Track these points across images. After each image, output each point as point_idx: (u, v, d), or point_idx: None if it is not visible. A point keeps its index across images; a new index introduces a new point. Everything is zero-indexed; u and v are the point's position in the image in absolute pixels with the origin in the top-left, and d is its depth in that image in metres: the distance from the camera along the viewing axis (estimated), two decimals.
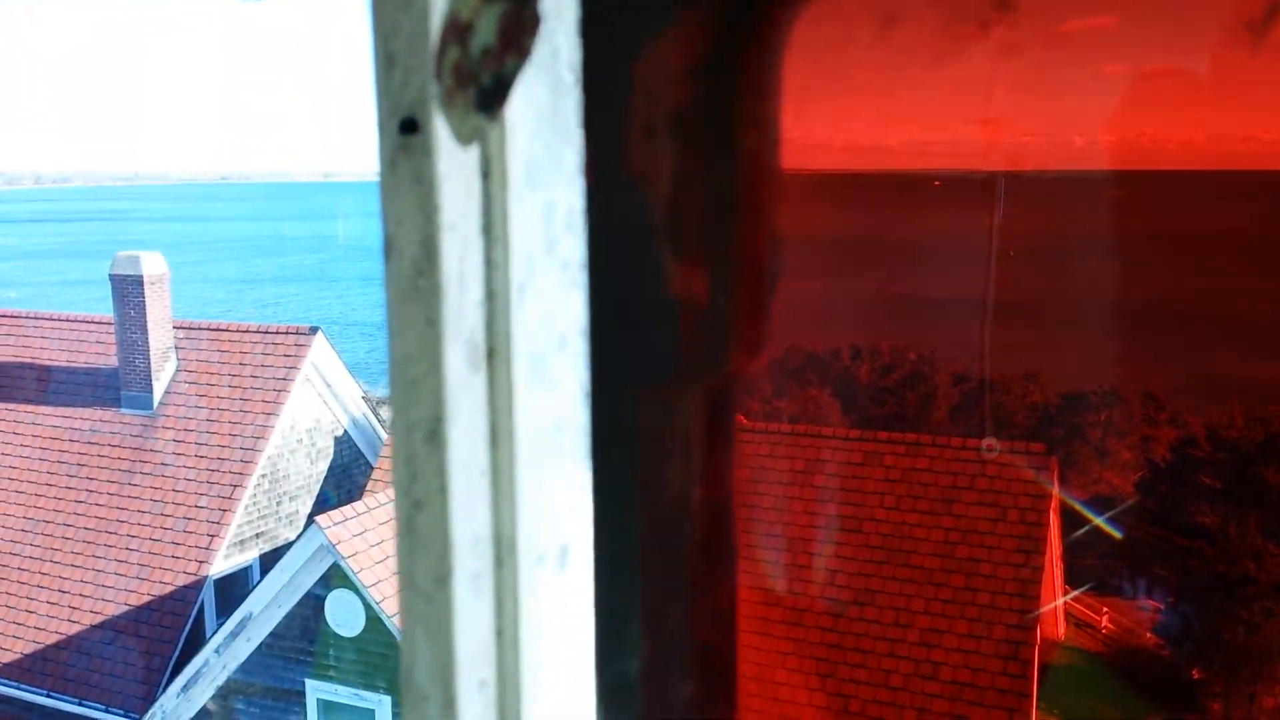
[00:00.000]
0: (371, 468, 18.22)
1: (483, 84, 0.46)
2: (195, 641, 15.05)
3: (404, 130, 0.47)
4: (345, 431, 18.69)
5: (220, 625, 14.35)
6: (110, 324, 17.80)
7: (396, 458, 0.49)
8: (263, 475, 16.69)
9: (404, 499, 0.49)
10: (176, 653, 15.07)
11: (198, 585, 15.53)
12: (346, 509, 13.14)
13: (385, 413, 21.17)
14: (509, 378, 0.49)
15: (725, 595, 0.50)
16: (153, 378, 17.17)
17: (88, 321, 19.09)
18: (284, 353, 17.25)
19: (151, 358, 17.13)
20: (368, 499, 14.00)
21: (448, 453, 0.48)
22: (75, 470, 17.13)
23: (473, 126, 0.46)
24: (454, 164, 0.47)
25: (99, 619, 15.64)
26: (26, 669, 15.51)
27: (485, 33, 0.45)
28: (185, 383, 17.36)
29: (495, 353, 0.49)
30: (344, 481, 18.34)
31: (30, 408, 17.99)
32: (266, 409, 16.76)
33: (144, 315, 16.99)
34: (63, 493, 16.97)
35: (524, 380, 0.49)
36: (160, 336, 17.24)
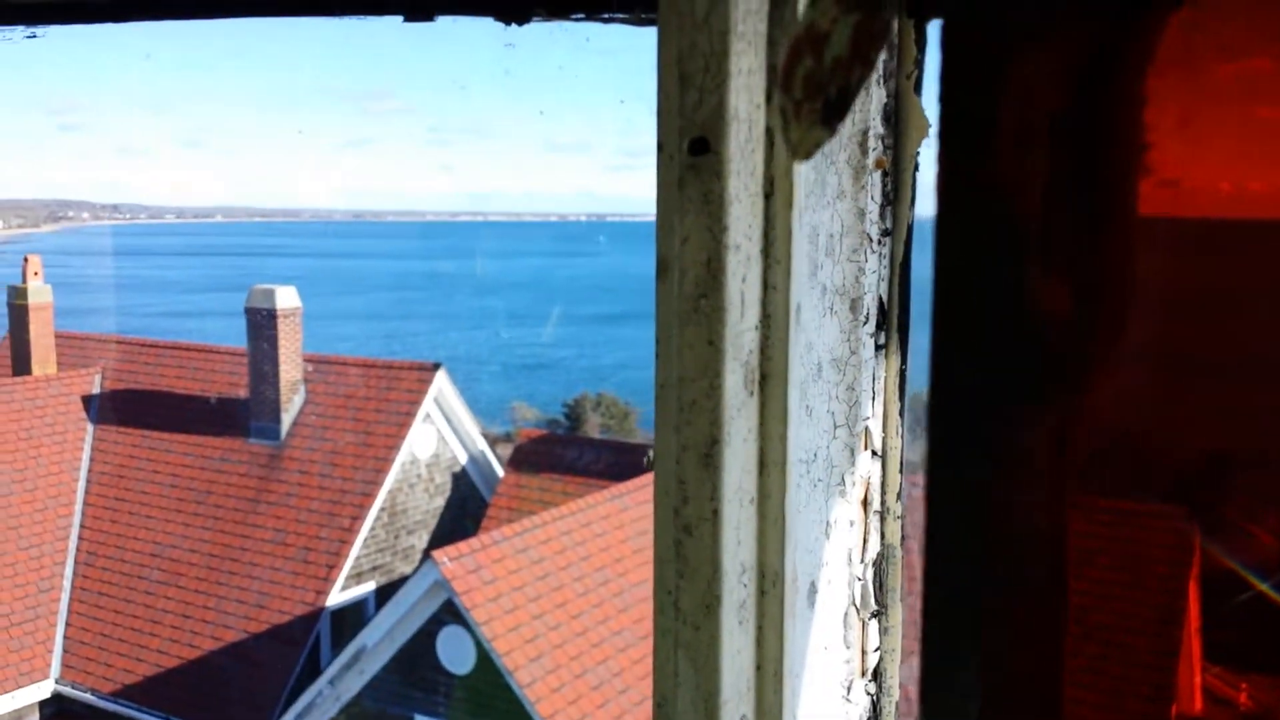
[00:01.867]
0: (487, 504, 18.45)
1: (829, 96, 0.45)
2: (311, 672, 15.37)
3: (694, 150, 0.47)
4: (463, 468, 18.99)
5: (335, 657, 14.64)
6: (243, 356, 18.55)
7: (664, 479, 0.48)
8: (382, 509, 17.05)
9: (672, 522, 0.48)
10: (292, 682, 15.40)
11: (315, 616, 15.88)
12: (462, 545, 13.30)
13: (502, 451, 21.44)
14: (783, 403, 0.48)
15: (1055, 635, 0.47)
16: (281, 409, 17.79)
17: (222, 353, 19.94)
18: (406, 388, 17.68)
19: (281, 390, 17.76)
20: (483, 536, 14.16)
21: (722, 476, 0.47)
22: (202, 498, 17.79)
23: (814, 140, 0.45)
24: (742, 184, 0.46)
25: (219, 645, 16.12)
26: (147, 691, 16.06)
27: (839, 43, 0.45)
28: (312, 415, 17.93)
29: (769, 377, 0.48)
30: (460, 517, 18.60)
31: (163, 435, 18.81)
32: (388, 443, 17.15)
33: (275, 348, 17.65)
34: (190, 519, 17.63)
35: (794, 407, 0.48)
36: (290, 369, 17.87)
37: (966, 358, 0.45)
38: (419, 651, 13.80)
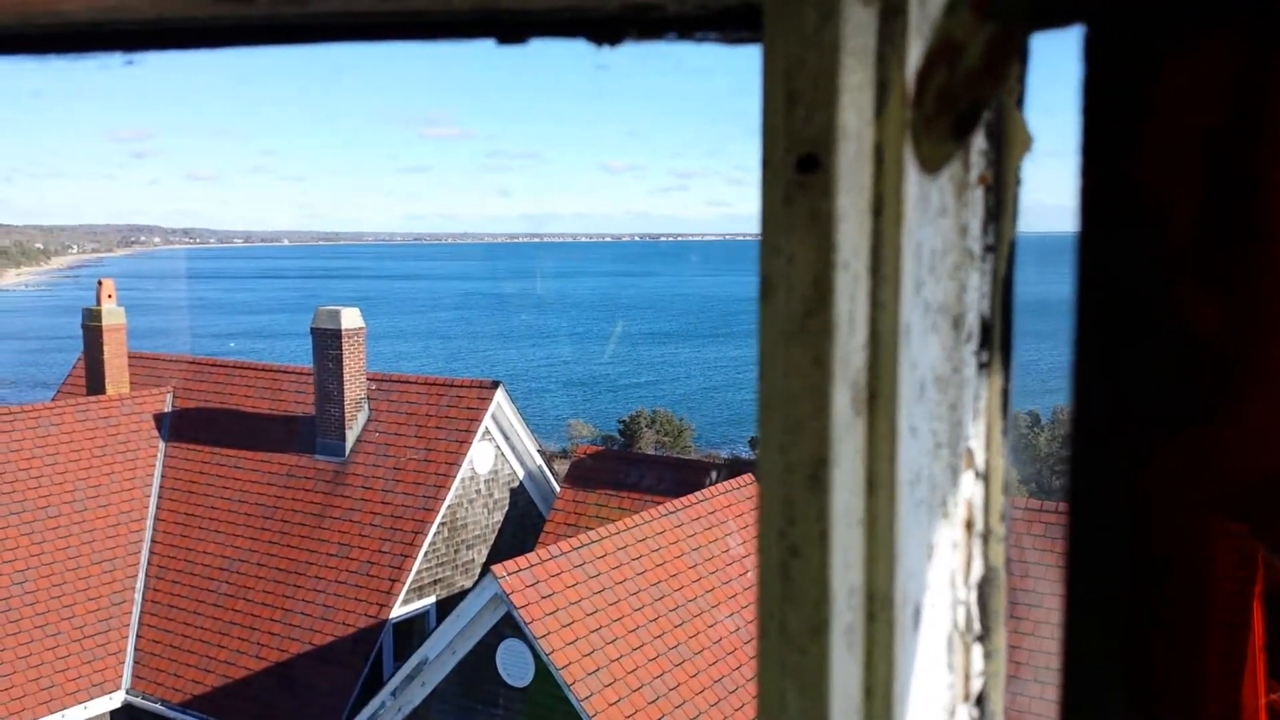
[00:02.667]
0: (544, 519, 18.53)
1: (960, 109, 0.44)
2: (374, 683, 15.52)
3: (802, 168, 0.46)
4: (521, 483, 19.09)
5: (397, 669, 14.76)
6: (309, 375, 18.88)
7: (769, 500, 0.48)
8: (442, 523, 17.21)
9: (777, 543, 0.47)
10: (355, 693, 15.57)
11: (378, 628, 16.05)
12: (521, 559, 13.35)
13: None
14: (891, 423, 0.47)
15: (1196, 666, 0.45)
16: (346, 427, 18.06)
17: (289, 372, 20.31)
18: (467, 405, 17.84)
19: (345, 408, 18.04)
20: (540, 551, 14.21)
21: (830, 498, 0.46)
22: (270, 513, 18.10)
23: (944, 154, 0.45)
24: (850, 201, 0.46)
25: (285, 657, 16.35)
26: (215, 702, 16.34)
27: (973, 55, 0.44)
28: (375, 432, 18.17)
29: (877, 396, 0.47)
30: (518, 532, 18.70)
31: (232, 452, 19.19)
32: (448, 459, 17.32)
33: (340, 367, 17.94)
34: (257, 534, 17.94)
35: (902, 427, 0.47)
36: (354, 388, 18.15)
37: (1111, 379, 0.43)
38: (479, 664, 13.86)
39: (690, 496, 15.84)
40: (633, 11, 0.55)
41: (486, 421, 17.80)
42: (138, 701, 16.85)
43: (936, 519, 0.51)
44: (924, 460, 0.50)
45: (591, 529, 14.91)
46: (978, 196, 0.53)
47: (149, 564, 18.37)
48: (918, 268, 0.49)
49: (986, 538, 0.56)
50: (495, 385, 18.07)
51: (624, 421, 48.35)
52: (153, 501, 19.12)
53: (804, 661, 0.47)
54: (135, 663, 17.27)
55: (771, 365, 0.48)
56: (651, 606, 13.77)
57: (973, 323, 0.54)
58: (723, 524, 15.80)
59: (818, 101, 0.46)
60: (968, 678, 0.56)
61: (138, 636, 17.55)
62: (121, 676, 17.09)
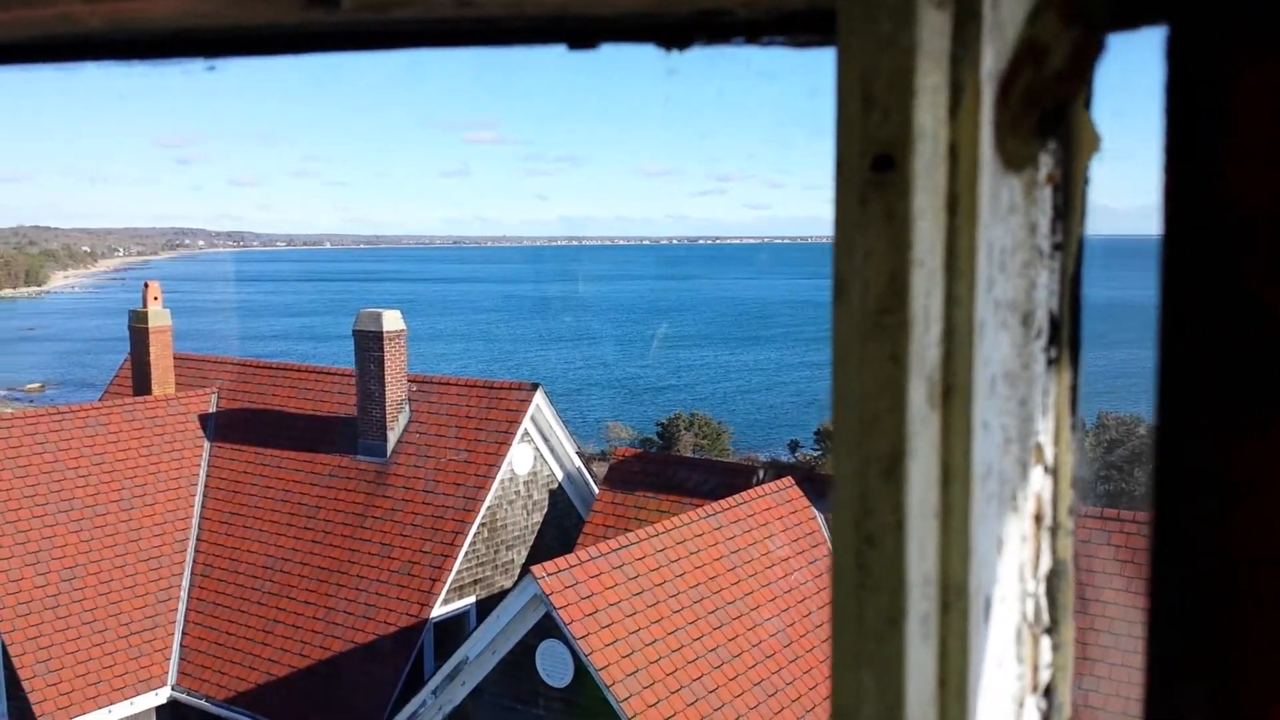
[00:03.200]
0: (583, 521, 18.58)
1: (1046, 109, 0.45)
2: (415, 682, 15.64)
3: (877, 167, 0.47)
4: (560, 485, 19.16)
5: (438, 668, 14.87)
6: (351, 376, 19.07)
7: (844, 492, 0.49)
8: (482, 524, 17.31)
9: (853, 534, 0.49)
10: (397, 692, 15.69)
11: (419, 627, 16.17)
12: (560, 560, 13.40)
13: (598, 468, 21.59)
14: (966, 417, 0.48)
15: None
16: (387, 428, 18.23)
17: (331, 373, 20.54)
18: (506, 407, 17.94)
19: (387, 409, 18.20)
20: (580, 552, 14.25)
21: (905, 489, 0.47)
22: (313, 513, 18.30)
23: (1029, 153, 0.46)
24: (926, 200, 0.47)
25: (327, 655, 16.52)
26: (259, 699, 16.54)
27: (1058, 57, 0.45)
28: (416, 433, 18.33)
29: (952, 391, 0.48)
30: (557, 533, 18.76)
31: (276, 452, 19.42)
32: (488, 460, 17.42)
33: (382, 369, 18.11)
34: (301, 533, 18.14)
35: (976, 421, 0.48)
36: (396, 389, 18.31)
37: (1196, 375, 0.43)
38: (518, 664, 13.93)
39: (730, 499, 15.81)
40: (702, 16, 0.57)
41: (526, 423, 17.89)
42: (183, 698, 17.09)
43: (1006, 512, 0.52)
44: (995, 455, 0.51)
45: (630, 531, 14.93)
46: (1046, 195, 0.53)
47: (194, 562, 18.64)
48: (989, 265, 0.49)
49: (1055, 531, 0.57)
50: (535, 387, 18.15)
51: (662, 424, 48.33)
52: (198, 500, 19.41)
53: (881, 650, 0.48)
54: (180, 659, 17.51)
55: (847, 362, 0.49)
56: (691, 609, 13.76)
57: (1042, 319, 0.55)
58: (763, 526, 15.76)
59: (893, 103, 0.47)
60: (1036, 669, 0.56)
61: (183, 634, 17.80)
62: (167, 673, 17.34)
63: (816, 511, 16.52)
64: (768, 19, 0.56)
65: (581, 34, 0.59)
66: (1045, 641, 0.56)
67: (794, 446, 52.66)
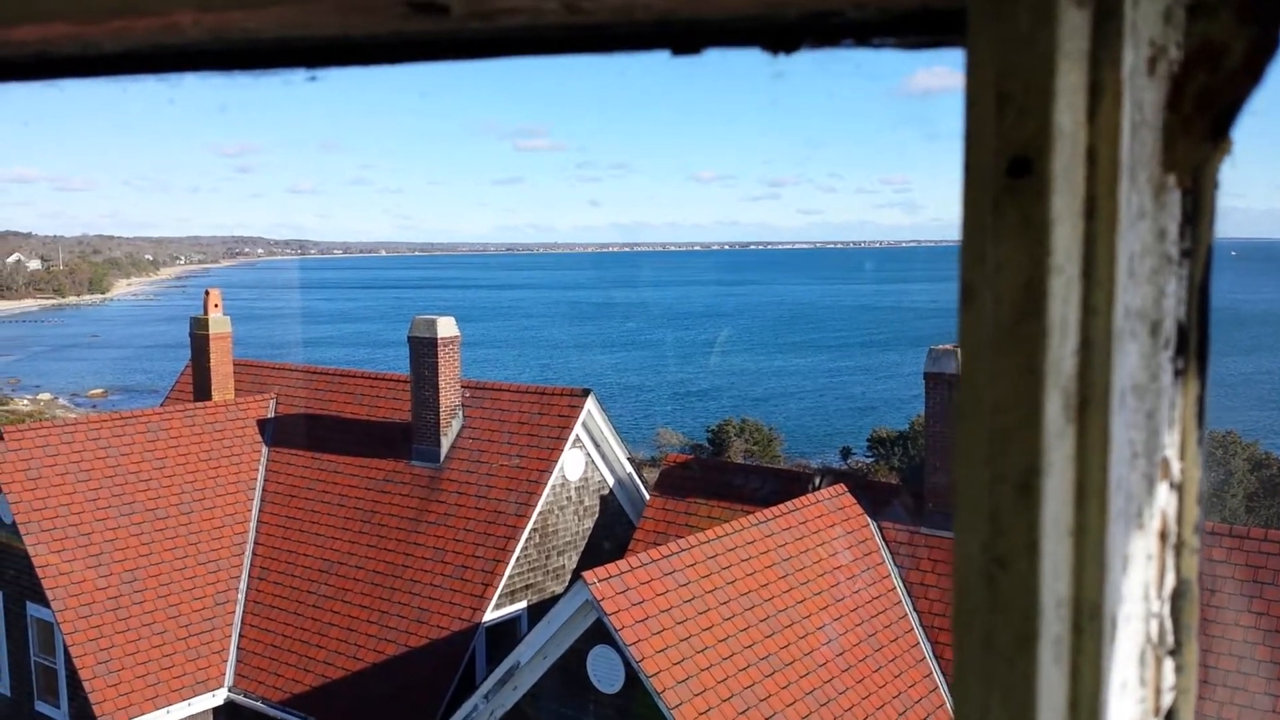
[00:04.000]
0: (634, 527, 18.57)
1: (1219, 111, 0.44)
2: (466, 686, 15.73)
3: (1013, 172, 0.46)
4: (611, 490, 19.18)
5: (489, 672, 14.94)
6: (406, 382, 19.27)
7: (972, 509, 0.47)
8: (534, 529, 17.38)
9: (982, 554, 0.47)
10: (449, 695, 15.79)
11: (471, 632, 16.27)
12: (611, 566, 13.40)
13: (647, 474, 21.56)
14: (1103, 431, 0.46)
15: None
16: (441, 433, 18.38)
17: (386, 379, 20.77)
18: (558, 413, 18.00)
19: (441, 414, 18.36)
20: (630, 558, 14.24)
21: (1040, 507, 0.45)
22: (368, 517, 18.50)
23: (1199, 156, 0.44)
24: (1064, 205, 0.45)
25: (381, 659, 16.68)
26: (314, 701, 16.73)
27: (1235, 56, 0.43)
28: (469, 439, 18.46)
29: (1088, 404, 0.46)
30: (608, 539, 18.78)
31: (332, 457, 19.68)
32: (540, 466, 17.49)
33: (436, 375, 18.28)
34: (356, 537, 18.35)
35: (1113, 435, 0.46)
36: (449, 395, 18.47)
37: None
38: (569, 669, 13.94)
39: (782, 506, 15.71)
40: (812, 19, 0.55)
41: (577, 429, 17.93)
42: (239, 699, 17.34)
43: (1132, 530, 0.50)
44: (1122, 469, 0.49)
45: (681, 537, 14.89)
46: (1175, 199, 0.51)
47: (251, 565, 18.93)
48: (1124, 274, 0.48)
49: (1180, 549, 0.55)
50: (586, 393, 18.19)
51: (712, 430, 48.20)
52: (255, 504, 19.71)
53: (1011, 673, 0.46)
54: (237, 661, 17.77)
55: (976, 372, 0.47)
56: (742, 616, 13.69)
57: (1170, 329, 0.53)
58: (815, 534, 15.63)
59: (1031, 104, 0.45)
60: (1159, 692, 0.54)
61: (240, 636, 18.07)
62: (224, 674, 17.60)
63: (870, 519, 16.36)
64: (880, 20, 0.55)
65: (686, 39, 0.58)
66: (1169, 663, 0.54)
67: (846, 453, 52.23)
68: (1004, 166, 0.46)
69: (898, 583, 15.77)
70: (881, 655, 14.67)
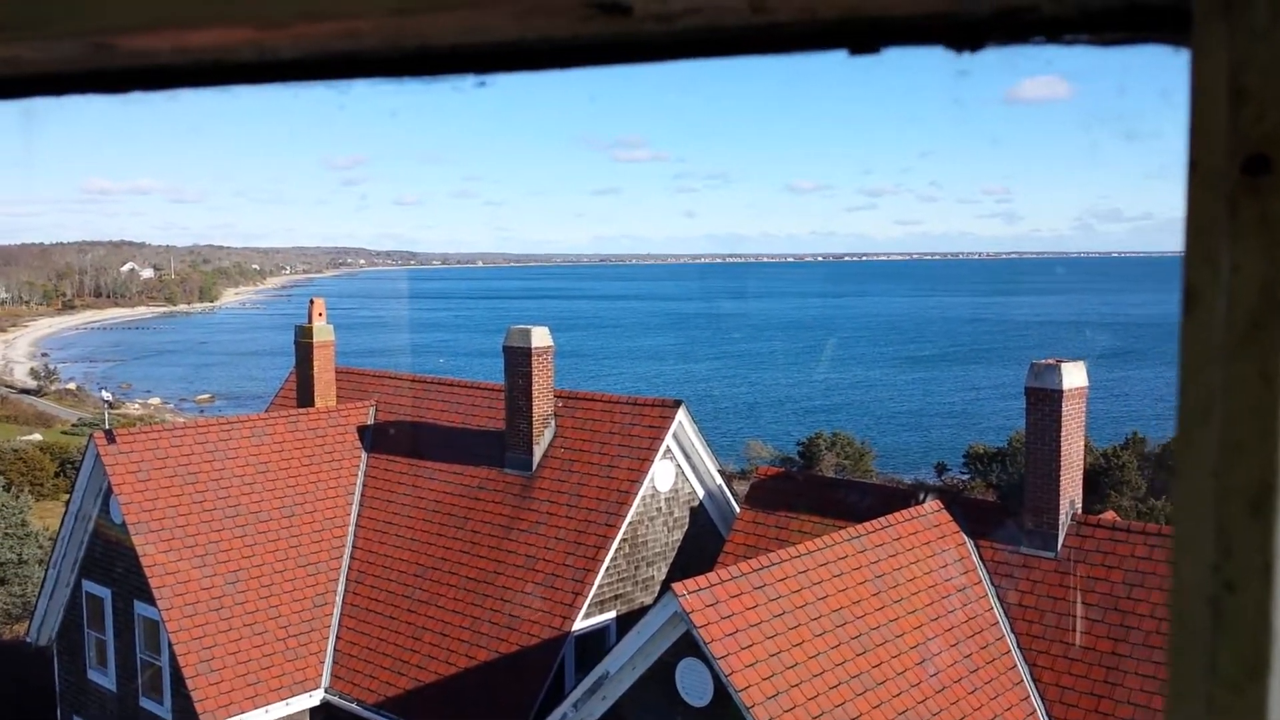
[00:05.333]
0: (724, 540, 18.47)
1: None
2: (555, 694, 15.80)
3: (1249, 169, 0.43)
4: (701, 502, 19.11)
5: (579, 681, 14.98)
6: (500, 391, 19.52)
7: (1197, 528, 0.45)
8: (624, 540, 17.40)
9: (1209, 575, 0.44)
10: (538, 703, 15.88)
11: (560, 640, 16.34)
12: (701, 579, 13.33)
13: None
14: None
15: None
16: (533, 442, 18.56)
17: (482, 388, 21.07)
18: (649, 424, 18.01)
19: (534, 423, 18.55)
20: (720, 571, 14.16)
21: (1277, 527, 0.42)
22: (462, 523, 18.75)
23: None
24: None
25: (473, 664, 16.86)
26: (407, 704, 16.98)
27: None
28: (561, 448, 18.60)
29: None
30: (697, 551, 18.70)
31: (428, 464, 20.02)
32: (630, 476, 17.51)
33: (529, 384, 18.47)
34: (450, 543, 18.61)
35: None
36: (542, 404, 18.65)
37: None
38: (658, 681, 13.89)
39: (876, 521, 15.46)
40: (1002, 16, 0.53)
41: (668, 440, 17.92)
42: (335, 700, 17.68)
43: None
44: None
45: (771, 551, 14.75)
46: None
47: (349, 568, 19.33)
48: None
49: None
50: (677, 404, 18.17)
51: (803, 443, 47.76)
52: (354, 509, 20.15)
53: (1239, 703, 0.43)
54: (334, 663, 18.13)
55: (1202, 381, 0.44)
56: (833, 633, 13.49)
57: None
58: (909, 551, 15.34)
59: (1269, 100, 0.42)
60: None
61: (337, 638, 18.43)
62: (321, 675, 17.97)
63: (967, 537, 15.99)
64: (1076, 16, 0.52)
65: (866, 38, 0.56)
66: None
67: (941, 469, 51.25)
68: (1239, 164, 0.43)
69: (995, 603, 15.37)
70: (977, 677, 14.31)
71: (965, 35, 0.55)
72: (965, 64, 0.56)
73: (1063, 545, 15.09)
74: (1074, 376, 15.18)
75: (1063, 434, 14.98)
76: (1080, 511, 15.46)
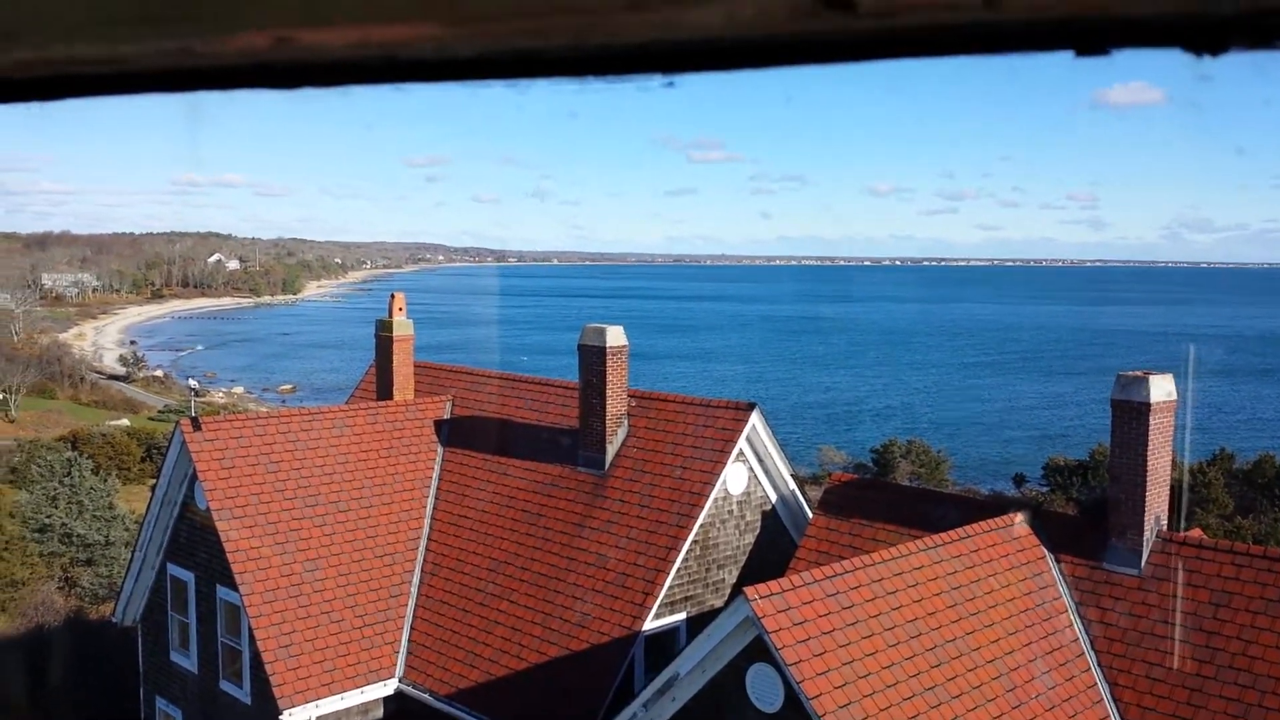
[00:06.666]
0: (796, 545, 18.31)
1: None
2: (625, 693, 15.81)
3: None
4: (773, 507, 18.97)
5: (649, 682, 14.97)
6: (575, 389, 19.61)
7: None
8: (695, 541, 17.34)
9: None
10: (607, 701, 15.90)
11: (631, 640, 16.34)
12: (773, 584, 13.22)
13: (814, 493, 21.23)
14: None
15: None
16: (607, 441, 18.61)
17: (557, 386, 21.20)
18: (722, 426, 17.93)
19: (607, 422, 18.59)
20: (793, 576, 14.03)
21: None
22: (534, 520, 18.88)
23: None
24: None
25: (544, 659, 16.95)
26: (479, 697, 17.13)
27: None
28: (634, 447, 18.61)
29: None
30: (769, 556, 18.57)
31: (503, 460, 20.19)
32: (703, 478, 17.45)
33: (604, 383, 18.51)
34: (523, 539, 18.74)
35: None
36: (616, 403, 18.68)
37: None
38: (728, 685, 13.81)
39: (953, 532, 15.18)
40: (1251, 17, 0.50)
41: (741, 443, 17.82)
42: (409, 690, 17.92)
43: None
44: None
45: (845, 558, 14.58)
46: None
47: (424, 561, 19.59)
48: None
49: None
50: (751, 407, 18.06)
51: (877, 450, 47.17)
52: (430, 502, 20.41)
53: None
54: (408, 653, 18.39)
55: None
56: (907, 644, 13.27)
57: None
58: (987, 563, 15.03)
59: None
60: None
61: (411, 629, 18.68)
62: (395, 665, 18.22)
63: (1047, 551, 15.61)
64: None
65: (1094, 39, 0.53)
66: None
67: (1019, 481, 50.22)
68: None
69: (1075, 619, 14.99)
70: (1055, 694, 13.97)
71: (1207, 37, 0.52)
72: (1206, 68, 0.52)
73: (1147, 562, 14.66)
74: (1162, 389, 14.73)
75: (1149, 448, 14.55)
76: (1166, 528, 15.00)
